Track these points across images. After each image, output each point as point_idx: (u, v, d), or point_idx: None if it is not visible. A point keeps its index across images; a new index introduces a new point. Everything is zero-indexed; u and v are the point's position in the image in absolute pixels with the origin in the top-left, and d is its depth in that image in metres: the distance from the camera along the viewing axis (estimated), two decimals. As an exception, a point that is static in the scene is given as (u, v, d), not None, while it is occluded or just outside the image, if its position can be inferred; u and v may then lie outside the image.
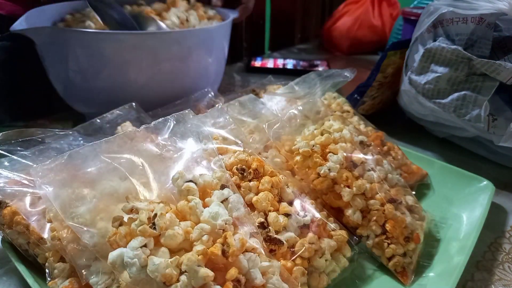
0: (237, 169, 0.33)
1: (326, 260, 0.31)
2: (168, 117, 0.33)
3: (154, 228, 0.25)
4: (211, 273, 0.24)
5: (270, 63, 0.95)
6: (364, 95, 0.60)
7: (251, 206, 0.31)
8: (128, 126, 0.45)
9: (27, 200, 0.32)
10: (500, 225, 0.42)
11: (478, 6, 0.46)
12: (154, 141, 0.32)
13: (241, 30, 1.15)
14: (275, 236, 0.30)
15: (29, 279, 0.30)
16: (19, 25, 0.52)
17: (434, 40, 0.51)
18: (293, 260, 0.30)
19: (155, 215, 0.25)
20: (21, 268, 0.31)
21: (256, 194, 0.32)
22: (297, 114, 0.41)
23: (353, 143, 0.38)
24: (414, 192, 0.43)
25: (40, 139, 0.39)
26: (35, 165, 0.28)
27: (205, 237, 0.26)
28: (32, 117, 0.65)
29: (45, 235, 0.30)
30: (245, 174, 0.33)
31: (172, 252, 0.25)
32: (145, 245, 0.25)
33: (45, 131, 0.40)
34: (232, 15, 0.67)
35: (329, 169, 0.35)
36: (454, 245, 0.36)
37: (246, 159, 0.34)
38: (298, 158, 0.36)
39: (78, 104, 0.61)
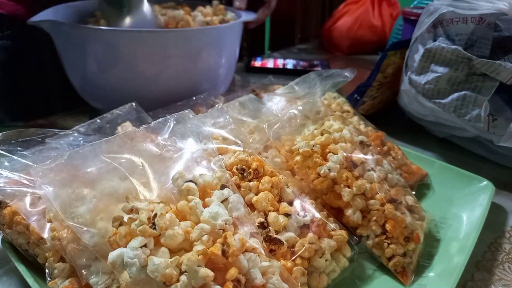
0: (237, 169, 0.33)
1: (326, 260, 0.31)
2: (168, 117, 0.33)
3: (154, 228, 0.25)
4: (211, 273, 0.24)
5: (270, 63, 0.95)
6: (364, 95, 0.60)
7: (251, 206, 0.31)
8: (128, 126, 0.45)
9: (27, 200, 0.32)
10: (500, 225, 0.42)
11: (478, 6, 0.46)
12: (154, 141, 0.32)
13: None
14: (275, 236, 0.30)
15: (29, 279, 0.30)
16: (41, 16, 0.53)
17: (434, 40, 0.51)
18: (293, 260, 0.30)
19: (155, 215, 0.25)
20: (21, 268, 0.31)
21: (256, 194, 0.32)
22: (297, 114, 0.41)
23: (353, 143, 0.38)
24: (414, 192, 0.43)
25: (40, 139, 0.39)
26: (35, 165, 0.28)
27: (205, 237, 0.26)
28: (32, 117, 0.65)
29: (45, 235, 0.30)
30: (245, 174, 0.33)
31: (172, 252, 0.25)
32: (145, 245, 0.25)
33: (45, 131, 0.40)
34: (246, 16, 0.66)
35: (329, 169, 0.35)
36: (454, 245, 0.36)
37: (246, 159, 0.34)
38: (298, 158, 0.36)
39: (93, 99, 0.62)
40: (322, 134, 0.38)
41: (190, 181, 0.29)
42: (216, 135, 0.36)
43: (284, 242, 0.30)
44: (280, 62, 0.96)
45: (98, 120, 0.45)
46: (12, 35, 0.67)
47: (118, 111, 0.47)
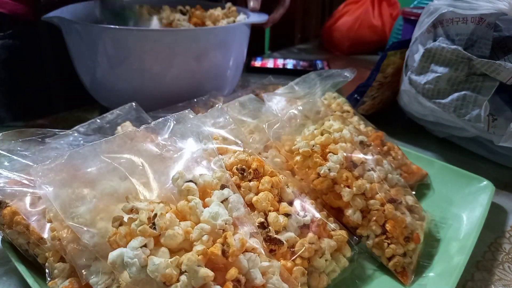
0: (237, 169, 0.33)
1: (326, 260, 0.31)
2: (168, 117, 0.33)
3: (154, 228, 0.25)
4: (211, 273, 0.24)
5: (270, 63, 0.95)
6: (364, 95, 0.60)
7: (251, 206, 0.31)
8: (128, 126, 0.45)
9: (27, 200, 0.32)
10: (500, 225, 0.42)
11: (478, 6, 0.46)
12: (154, 141, 0.32)
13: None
14: (275, 236, 0.30)
15: (29, 279, 0.30)
16: (54, 13, 0.55)
17: (434, 40, 0.51)
18: (293, 260, 0.30)
19: (155, 215, 0.25)
20: (21, 268, 0.31)
21: (256, 194, 0.32)
22: (297, 114, 0.41)
23: (353, 143, 0.38)
24: (414, 192, 0.43)
25: (40, 139, 0.39)
26: (35, 165, 0.28)
27: (205, 237, 0.26)
28: (33, 117, 0.65)
29: (45, 235, 0.30)
30: (245, 174, 0.33)
31: (172, 252, 0.25)
32: (145, 245, 0.25)
33: (45, 131, 0.40)
34: (254, 18, 0.66)
35: (329, 169, 0.35)
36: (454, 245, 0.36)
37: (246, 159, 0.34)
38: (298, 158, 0.36)
39: (103, 97, 0.63)
40: (322, 134, 0.38)
41: (190, 181, 0.29)
42: (216, 135, 0.36)
43: (284, 242, 0.30)
44: (280, 62, 0.96)
45: (98, 120, 0.45)
46: (13, 34, 0.67)
47: (118, 111, 0.47)
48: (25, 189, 0.32)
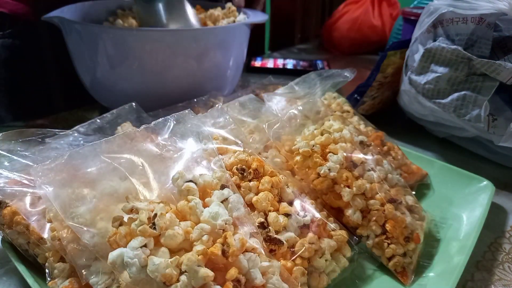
0: (237, 169, 0.33)
1: (326, 260, 0.31)
2: (168, 117, 0.33)
3: (154, 228, 0.25)
4: (211, 273, 0.24)
5: (270, 63, 0.95)
6: (364, 95, 0.60)
7: (251, 206, 0.31)
8: (128, 126, 0.45)
9: (27, 200, 0.32)
10: (500, 225, 0.42)
11: (478, 6, 0.46)
12: (154, 141, 0.32)
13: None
14: (275, 236, 0.30)
15: (29, 279, 0.30)
16: (54, 13, 0.55)
17: (434, 40, 0.51)
18: (293, 260, 0.30)
19: (155, 215, 0.25)
20: (21, 268, 0.31)
21: (256, 194, 0.32)
22: (297, 114, 0.41)
23: (353, 143, 0.38)
24: (414, 192, 0.43)
25: (40, 139, 0.39)
26: (35, 165, 0.28)
27: (205, 237, 0.26)
28: (33, 116, 0.65)
29: (45, 235, 0.30)
30: (245, 174, 0.33)
31: (172, 252, 0.25)
32: (145, 245, 0.25)
33: (45, 131, 0.40)
34: (255, 18, 0.66)
35: (329, 169, 0.35)
36: (454, 245, 0.36)
37: (246, 159, 0.34)
38: (298, 158, 0.36)
39: (103, 97, 0.63)
40: (322, 134, 0.38)
41: (190, 181, 0.29)
42: (216, 135, 0.36)
43: (284, 242, 0.30)
44: (280, 62, 0.96)
45: (98, 120, 0.45)
46: (13, 34, 0.68)
47: (118, 111, 0.47)
48: (25, 189, 0.32)
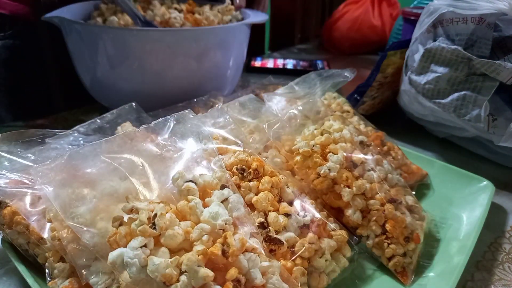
0: (237, 169, 0.33)
1: (326, 260, 0.31)
2: (168, 117, 0.33)
3: (154, 228, 0.25)
4: (211, 273, 0.24)
5: (270, 63, 0.95)
6: (364, 95, 0.60)
7: (251, 206, 0.31)
8: (128, 126, 0.45)
9: (27, 200, 0.32)
10: (500, 225, 0.42)
11: (478, 6, 0.46)
12: (154, 141, 0.32)
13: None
14: (275, 236, 0.30)
15: (29, 279, 0.30)
16: (54, 13, 0.55)
17: (434, 40, 0.51)
18: (293, 260, 0.30)
19: (155, 215, 0.25)
20: (21, 268, 0.31)
21: (256, 194, 0.32)
22: (297, 114, 0.41)
23: (353, 143, 0.38)
24: (414, 192, 0.43)
25: (40, 140, 0.39)
26: (35, 165, 0.28)
27: (205, 237, 0.26)
28: (32, 117, 0.65)
29: (45, 235, 0.30)
30: (245, 174, 0.33)
31: (172, 252, 0.25)
32: (145, 245, 0.25)
33: (45, 132, 0.40)
34: (255, 18, 0.66)
35: (329, 169, 0.35)
36: (454, 245, 0.36)
37: (246, 159, 0.34)
38: (298, 158, 0.36)
39: (103, 97, 0.63)
40: (322, 134, 0.38)
41: (190, 181, 0.29)
42: (216, 135, 0.36)
43: (284, 242, 0.30)
44: (280, 62, 0.96)
45: (98, 120, 0.45)
46: (13, 35, 0.68)
47: (118, 111, 0.47)
48: (25, 189, 0.32)
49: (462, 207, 0.41)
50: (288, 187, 0.34)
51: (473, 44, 0.47)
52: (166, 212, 0.26)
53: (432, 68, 0.51)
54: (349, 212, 0.35)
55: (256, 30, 0.70)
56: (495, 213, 0.43)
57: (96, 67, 0.57)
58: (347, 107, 0.53)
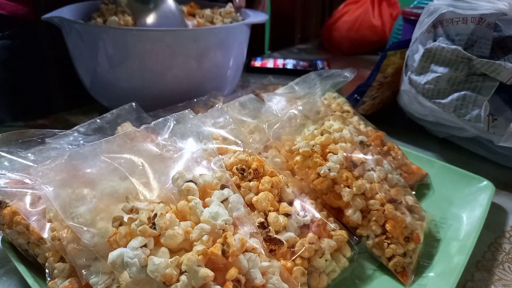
0: (237, 169, 0.33)
1: (326, 260, 0.31)
2: (168, 117, 0.33)
3: (154, 228, 0.25)
4: (211, 273, 0.24)
5: (270, 63, 0.95)
6: (364, 95, 0.60)
7: (251, 206, 0.31)
8: (128, 126, 0.45)
9: (27, 200, 0.32)
10: (500, 225, 0.42)
11: (478, 6, 0.46)
12: (154, 141, 0.32)
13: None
14: (275, 236, 0.30)
15: (29, 279, 0.30)
16: (54, 13, 0.55)
17: (434, 40, 0.51)
18: (293, 260, 0.30)
19: (155, 215, 0.25)
20: (21, 268, 0.31)
21: (256, 194, 0.32)
22: (297, 114, 0.41)
23: (353, 143, 0.38)
24: (414, 192, 0.43)
25: (40, 140, 0.39)
26: (35, 165, 0.28)
27: (205, 237, 0.26)
28: (32, 117, 0.65)
29: (45, 235, 0.30)
30: (245, 174, 0.33)
31: (172, 252, 0.25)
32: (145, 245, 0.25)
33: (45, 132, 0.40)
34: (255, 18, 0.66)
35: (329, 169, 0.35)
36: (454, 245, 0.36)
37: (246, 159, 0.34)
38: (298, 158, 0.36)
39: (103, 97, 0.63)
40: (322, 134, 0.38)
41: (190, 181, 0.29)
42: (216, 135, 0.36)
43: (284, 242, 0.30)
44: (280, 62, 0.96)
45: (98, 120, 0.45)
46: (12, 35, 0.68)
47: (118, 111, 0.47)
48: (25, 189, 0.32)
49: (462, 207, 0.41)
50: (288, 187, 0.34)
51: (473, 44, 0.47)
52: (166, 212, 0.26)
53: (432, 68, 0.51)
54: (349, 212, 0.35)
55: (256, 30, 0.70)
56: (495, 213, 0.43)
57: (96, 67, 0.57)
58: (347, 107, 0.53)
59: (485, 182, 0.43)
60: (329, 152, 0.36)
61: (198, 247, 0.25)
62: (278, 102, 0.45)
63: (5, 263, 0.35)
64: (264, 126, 0.39)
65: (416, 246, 0.35)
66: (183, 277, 0.24)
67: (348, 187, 0.35)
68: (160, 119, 0.33)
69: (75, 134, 0.42)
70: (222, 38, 0.59)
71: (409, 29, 0.68)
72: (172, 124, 0.33)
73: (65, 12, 0.56)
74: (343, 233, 0.33)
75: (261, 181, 0.32)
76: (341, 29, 1.09)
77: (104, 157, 0.29)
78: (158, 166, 0.30)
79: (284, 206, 0.32)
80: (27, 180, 0.33)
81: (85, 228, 0.26)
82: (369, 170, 0.37)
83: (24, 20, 0.67)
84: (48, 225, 0.30)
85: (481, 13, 0.45)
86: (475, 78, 0.47)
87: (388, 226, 0.34)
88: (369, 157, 0.38)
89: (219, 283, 0.24)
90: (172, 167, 0.31)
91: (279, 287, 0.26)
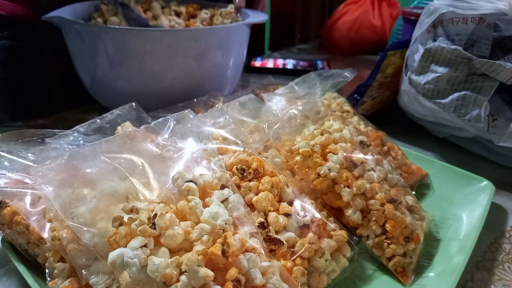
0: (237, 169, 0.33)
1: (326, 260, 0.31)
2: (168, 117, 0.33)
3: (154, 228, 0.25)
4: (211, 273, 0.24)
5: (270, 63, 0.95)
6: (364, 95, 0.60)
7: (251, 206, 0.31)
8: (128, 126, 0.45)
9: (27, 200, 0.32)
10: (500, 225, 0.42)
11: (478, 6, 0.46)
12: (154, 141, 0.32)
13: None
14: (275, 236, 0.30)
15: (29, 279, 0.30)
16: (55, 13, 0.55)
17: (434, 40, 0.51)
18: (293, 260, 0.30)
19: (155, 215, 0.25)
20: (21, 268, 0.31)
21: (256, 194, 0.32)
22: (297, 114, 0.41)
23: (353, 143, 0.38)
24: (414, 192, 0.43)
25: (40, 140, 0.39)
26: (35, 165, 0.28)
27: (205, 237, 0.26)
28: (32, 117, 0.65)
29: (45, 235, 0.30)
30: (245, 174, 0.33)
31: (172, 252, 0.25)
32: (145, 245, 0.25)
33: (45, 132, 0.40)
34: (255, 18, 0.66)
35: (329, 169, 0.35)
36: (454, 245, 0.36)
37: (246, 159, 0.34)
38: (298, 158, 0.36)
39: (102, 97, 0.63)
40: (322, 134, 0.38)
41: (190, 181, 0.29)
42: (216, 135, 0.36)
43: (284, 242, 0.30)
44: (280, 62, 0.96)
45: (98, 120, 0.45)
46: (12, 35, 0.68)
47: (118, 111, 0.47)
48: (25, 189, 0.32)
49: (462, 207, 0.41)
50: (288, 187, 0.34)
51: (473, 44, 0.47)
52: (166, 212, 0.26)
53: (432, 68, 0.51)
54: (349, 212, 0.35)
55: (256, 30, 0.70)
56: (495, 213, 0.43)
57: (96, 67, 0.57)
58: (347, 107, 0.53)
59: (485, 182, 0.43)
60: (329, 152, 0.36)
61: (198, 247, 0.25)
62: (278, 102, 0.45)
63: (5, 263, 0.35)
64: (264, 126, 0.39)
65: (416, 246, 0.35)
66: (183, 277, 0.24)
67: (348, 187, 0.35)
68: (160, 119, 0.33)
69: (75, 134, 0.42)
70: (222, 38, 0.59)
71: (409, 29, 0.68)
72: (172, 124, 0.33)
73: (65, 12, 0.56)
74: (343, 233, 0.33)
75: (261, 181, 0.32)
76: (341, 29, 1.09)
77: (104, 157, 0.29)
78: (158, 166, 0.30)
79: (284, 206, 0.32)
80: (27, 180, 0.33)
81: (85, 228, 0.26)
82: (369, 170, 0.37)
83: (24, 20, 0.67)
84: (48, 225, 0.30)
85: (481, 13, 0.45)
86: (475, 78, 0.47)
87: (388, 226, 0.34)
88: (369, 157, 0.38)
89: (219, 283, 0.24)
90: (172, 167, 0.31)
91: (279, 287, 0.26)
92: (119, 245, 0.25)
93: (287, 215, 0.31)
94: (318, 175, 0.35)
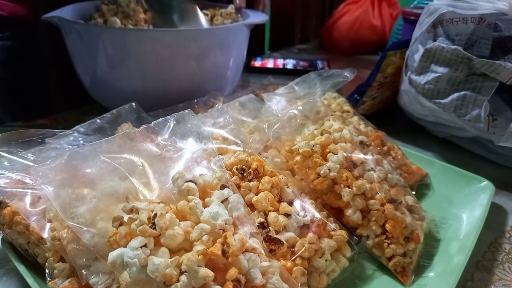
0: (237, 169, 0.33)
1: (326, 260, 0.31)
2: (168, 117, 0.33)
3: (154, 228, 0.25)
4: (211, 273, 0.24)
5: (270, 63, 0.95)
6: (364, 95, 0.60)
7: (251, 206, 0.31)
8: (128, 126, 0.45)
9: (27, 200, 0.32)
10: (500, 225, 0.42)
11: (478, 6, 0.46)
12: (154, 141, 0.32)
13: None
14: (275, 236, 0.30)
15: (29, 279, 0.30)
16: (54, 13, 0.55)
17: (434, 40, 0.51)
18: (293, 260, 0.30)
19: (155, 215, 0.25)
20: (21, 268, 0.31)
21: (256, 194, 0.32)
22: (297, 114, 0.41)
23: (353, 143, 0.38)
24: (414, 192, 0.43)
25: (40, 140, 0.39)
26: (35, 165, 0.28)
27: (205, 237, 0.26)
28: (32, 117, 0.65)
29: (45, 235, 0.30)
30: (245, 174, 0.33)
31: (172, 252, 0.25)
32: (145, 245, 0.25)
33: (45, 132, 0.40)
34: (255, 18, 0.66)
35: (329, 169, 0.35)
36: (454, 245, 0.36)
37: (246, 159, 0.34)
38: (298, 158, 0.36)
39: (102, 98, 0.63)
40: (322, 134, 0.38)
41: (190, 181, 0.29)
42: (216, 135, 0.36)
43: (284, 242, 0.30)
44: (280, 62, 0.96)
45: (98, 120, 0.45)
46: (12, 36, 0.68)
47: (118, 111, 0.47)
48: (25, 189, 0.32)
49: (462, 207, 0.41)
50: (288, 187, 0.34)
51: (473, 44, 0.47)
52: (166, 212, 0.26)
53: (432, 68, 0.51)
54: (349, 212, 0.35)
55: (256, 30, 0.70)
56: (495, 213, 0.43)
57: (95, 67, 0.57)
58: (347, 107, 0.53)
59: (485, 182, 0.43)
60: (329, 152, 0.36)
61: (198, 247, 0.25)
62: (278, 102, 0.45)
63: (5, 263, 0.35)
64: (264, 126, 0.39)
65: (416, 246, 0.35)
66: (183, 277, 0.24)
67: (348, 187, 0.35)
68: (160, 119, 0.33)
69: (75, 134, 0.42)
70: (222, 38, 0.59)
71: (409, 29, 0.68)
72: (172, 124, 0.33)
73: (65, 12, 0.56)
74: (343, 233, 0.33)
75: (261, 181, 0.32)
76: (341, 29, 1.09)
77: (104, 157, 0.29)
78: (158, 166, 0.30)
79: (284, 206, 0.32)
80: (27, 180, 0.33)
81: (85, 228, 0.26)
82: (369, 170, 0.37)
83: (24, 20, 0.67)
84: (48, 225, 0.30)
85: (481, 13, 0.45)
86: (475, 78, 0.47)
87: (388, 226, 0.34)
88: (369, 157, 0.38)
89: (219, 283, 0.24)
90: (172, 167, 0.31)
91: (279, 287, 0.26)
92: (119, 245, 0.25)
93: (287, 215, 0.31)
94: (318, 175, 0.35)
